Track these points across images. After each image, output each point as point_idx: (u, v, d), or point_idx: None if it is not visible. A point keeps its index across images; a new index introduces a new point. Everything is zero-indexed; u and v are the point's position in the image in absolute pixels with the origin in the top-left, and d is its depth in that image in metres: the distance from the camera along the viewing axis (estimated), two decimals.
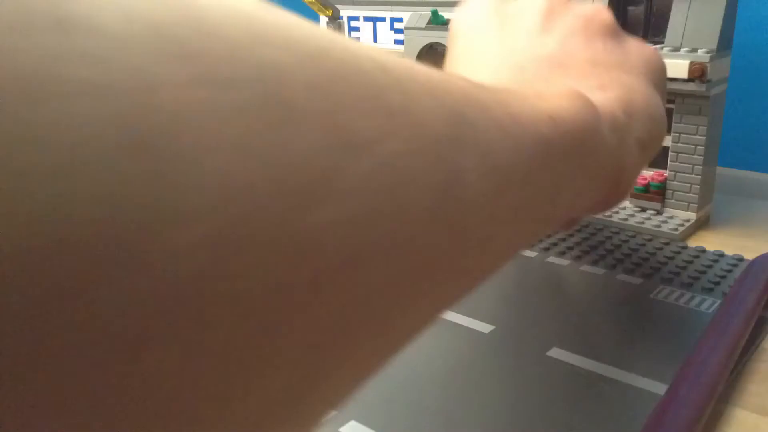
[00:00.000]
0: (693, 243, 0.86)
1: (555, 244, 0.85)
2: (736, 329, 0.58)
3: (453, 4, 1.06)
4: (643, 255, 0.81)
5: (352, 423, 0.52)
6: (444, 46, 1.07)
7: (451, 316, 0.68)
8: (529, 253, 0.83)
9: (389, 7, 1.17)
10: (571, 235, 0.88)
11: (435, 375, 0.58)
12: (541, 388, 0.57)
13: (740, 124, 1.27)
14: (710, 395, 0.50)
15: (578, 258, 0.81)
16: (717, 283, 0.73)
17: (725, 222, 0.95)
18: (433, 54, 1.12)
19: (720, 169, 0.97)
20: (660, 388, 0.55)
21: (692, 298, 0.71)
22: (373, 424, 0.52)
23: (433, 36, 1.08)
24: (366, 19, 1.19)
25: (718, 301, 0.69)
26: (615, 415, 0.53)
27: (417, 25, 1.10)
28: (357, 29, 1.20)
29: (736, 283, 0.67)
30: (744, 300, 0.63)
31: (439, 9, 1.09)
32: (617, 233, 0.88)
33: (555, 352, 0.61)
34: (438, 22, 1.08)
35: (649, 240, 0.85)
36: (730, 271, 0.76)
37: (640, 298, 0.71)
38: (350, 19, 1.20)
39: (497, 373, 0.59)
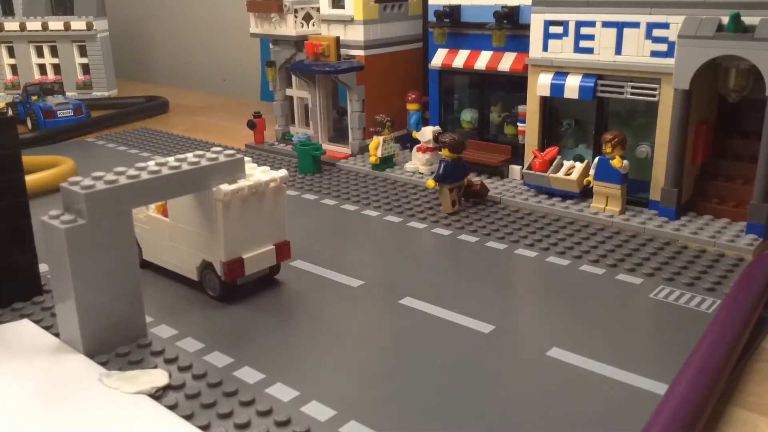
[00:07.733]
0: None
1: (555, 244, 0.85)
2: (736, 329, 0.58)
3: (759, 6, 0.82)
4: (643, 255, 0.81)
5: (352, 423, 0.52)
6: (743, 60, 0.82)
7: (451, 316, 0.68)
8: (529, 253, 0.83)
9: (647, 9, 0.89)
10: (571, 235, 0.88)
11: (435, 375, 0.58)
12: (541, 388, 0.57)
13: None
14: (710, 395, 0.50)
15: (578, 258, 0.81)
16: (717, 283, 0.73)
17: None
18: (713, 72, 0.87)
19: None
20: (660, 388, 0.55)
21: (692, 298, 0.71)
22: (373, 424, 0.52)
23: (730, 47, 0.81)
24: (606, 24, 0.93)
25: (718, 301, 0.69)
26: (615, 415, 0.53)
27: (700, 33, 0.84)
28: (590, 37, 0.95)
29: (736, 283, 0.67)
30: (744, 300, 0.63)
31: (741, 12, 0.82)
32: (617, 233, 0.87)
33: (555, 352, 0.61)
34: (737, 30, 0.83)
35: (650, 240, 0.85)
36: (730, 271, 0.76)
37: (640, 298, 0.71)
38: (579, 24, 0.95)
39: (497, 373, 0.59)
